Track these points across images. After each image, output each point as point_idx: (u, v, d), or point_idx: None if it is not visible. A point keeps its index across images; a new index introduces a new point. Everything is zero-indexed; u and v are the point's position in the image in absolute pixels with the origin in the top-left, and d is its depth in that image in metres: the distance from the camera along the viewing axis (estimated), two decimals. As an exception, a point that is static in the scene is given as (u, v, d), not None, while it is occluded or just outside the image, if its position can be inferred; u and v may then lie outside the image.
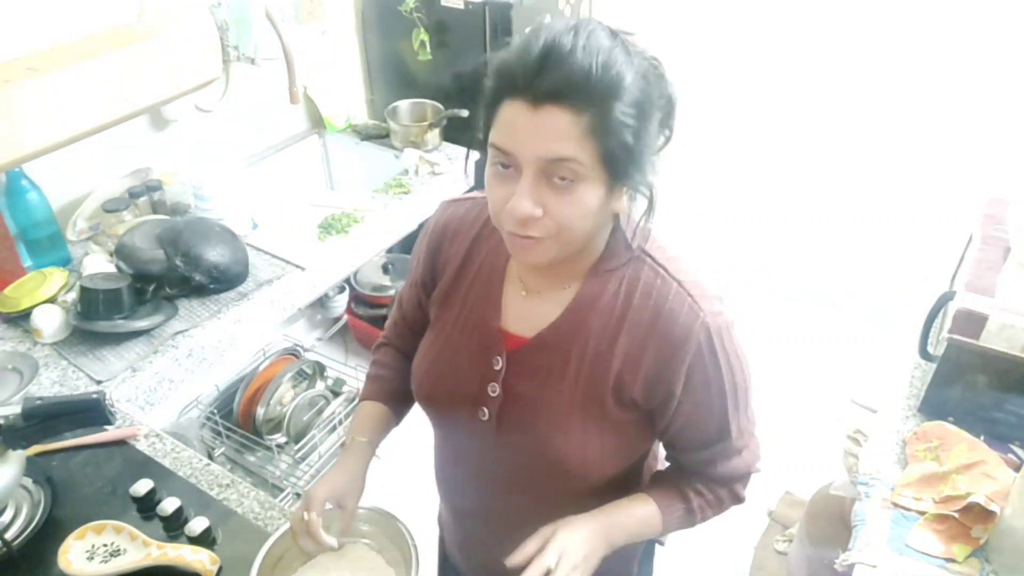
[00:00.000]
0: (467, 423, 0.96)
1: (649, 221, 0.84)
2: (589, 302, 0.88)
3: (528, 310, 0.92)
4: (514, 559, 0.84)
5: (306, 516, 0.94)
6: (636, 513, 0.95)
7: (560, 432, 0.89)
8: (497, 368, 0.92)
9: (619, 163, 0.75)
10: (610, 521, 0.92)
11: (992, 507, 1.12)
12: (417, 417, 1.10)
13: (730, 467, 0.95)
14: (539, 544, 0.85)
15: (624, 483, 0.99)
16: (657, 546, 1.22)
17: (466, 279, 0.97)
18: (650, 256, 0.88)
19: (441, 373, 0.97)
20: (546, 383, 0.90)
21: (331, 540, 0.95)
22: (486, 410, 0.93)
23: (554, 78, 0.71)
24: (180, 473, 1.25)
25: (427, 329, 1.03)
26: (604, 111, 0.72)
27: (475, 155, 0.88)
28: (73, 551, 1.07)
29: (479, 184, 0.85)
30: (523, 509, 0.96)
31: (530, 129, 0.73)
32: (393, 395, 1.10)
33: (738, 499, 1.00)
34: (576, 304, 0.88)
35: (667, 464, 1.05)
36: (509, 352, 0.92)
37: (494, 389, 0.92)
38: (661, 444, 1.03)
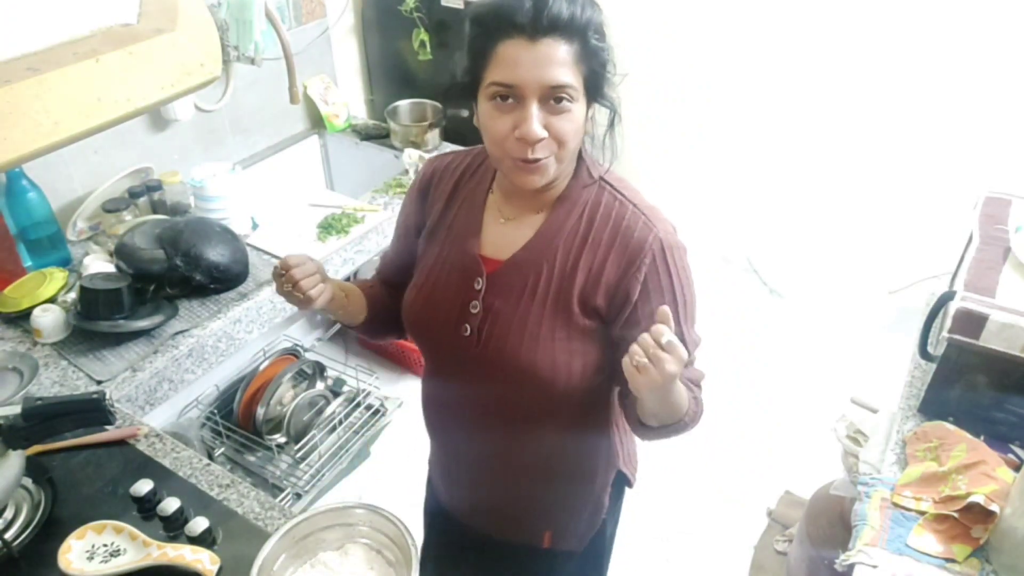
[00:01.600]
0: (451, 340, 1.06)
1: (615, 130, 0.99)
2: (557, 225, 1.01)
3: (504, 236, 1.05)
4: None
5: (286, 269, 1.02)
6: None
7: (533, 340, 1.01)
8: (478, 288, 1.04)
9: (597, 82, 0.93)
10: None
11: (992, 507, 1.12)
12: (414, 419, 1.10)
13: (688, 373, 1.06)
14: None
15: (594, 407, 1.13)
16: (627, 488, 1.29)
17: (450, 214, 1.10)
18: (610, 184, 1.02)
19: (429, 297, 1.09)
20: (520, 298, 1.02)
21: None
22: (468, 326, 1.05)
23: (551, 14, 0.86)
24: (180, 473, 1.25)
25: (415, 264, 1.14)
26: (585, 39, 0.89)
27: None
28: (73, 551, 1.07)
29: None
30: (502, 426, 1.11)
31: (532, 60, 0.87)
32: (374, 298, 1.20)
33: (700, 404, 1.08)
34: (545, 228, 1.02)
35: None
36: (488, 274, 1.04)
37: (475, 307, 1.04)
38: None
